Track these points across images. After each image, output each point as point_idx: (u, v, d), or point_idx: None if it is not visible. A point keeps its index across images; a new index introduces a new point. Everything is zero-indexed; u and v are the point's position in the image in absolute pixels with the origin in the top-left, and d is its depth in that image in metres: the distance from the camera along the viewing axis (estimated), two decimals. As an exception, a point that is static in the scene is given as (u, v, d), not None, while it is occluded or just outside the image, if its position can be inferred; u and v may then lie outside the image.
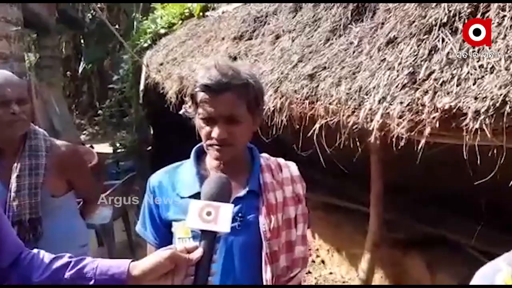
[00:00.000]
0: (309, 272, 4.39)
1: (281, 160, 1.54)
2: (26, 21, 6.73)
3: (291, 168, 1.52)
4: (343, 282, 4.26)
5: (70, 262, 1.16)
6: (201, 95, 1.32)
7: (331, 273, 4.44)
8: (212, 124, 1.33)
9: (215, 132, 1.31)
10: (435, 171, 3.32)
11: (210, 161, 1.45)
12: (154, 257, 1.12)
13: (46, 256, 1.19)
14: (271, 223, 1.36)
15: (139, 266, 1.12)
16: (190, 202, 1.17)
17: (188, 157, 1.51)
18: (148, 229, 1.49)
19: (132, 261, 1.15)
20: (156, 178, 1.49)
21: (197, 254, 1.11)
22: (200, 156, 1.49)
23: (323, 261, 4.60)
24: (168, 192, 1.45)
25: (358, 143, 2.33)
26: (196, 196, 1.33)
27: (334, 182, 4.75)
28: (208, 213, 1.13)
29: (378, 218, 3.38)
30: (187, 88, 4.24)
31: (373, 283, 3.61)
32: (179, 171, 1.49)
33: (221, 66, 1.31)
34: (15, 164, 1.95)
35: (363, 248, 3.51)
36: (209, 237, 1.13)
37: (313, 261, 4.58)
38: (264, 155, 1.53)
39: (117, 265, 1.14)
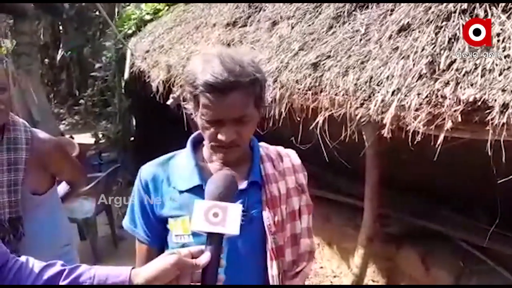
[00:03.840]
0: (299, 267, 4.32)
1: (280, 149, 1.44)
2: (2, 6, 6.41)
3: (292, 157, 1.43)
4: (334, 277, 4.19)
5: (64, 270, 1.04)
6: (204, 95, 1.17)
7: (321, 267, 4.37)
8: (218, 126, 1.20)
9: (223, 135, 1.19)
10: (429, 165, 3.27)
11: (208, 152, 1.33)
12: (158, 263, 1.02)
13: (36, 264, 1.06)
14: (276, 217, 1.28)
15: (141, 274, 1.01)
16: (195, 202, 1.07)
17: (176, 148, 1.39)
18: (139, 226, 1.36)
19: (133, 268, 1.04)
20: (148, 171, 1.35)
21: (204, 259, 1.02)
22: (196, 146, 1.37)
23: (313, 255, 4.53)
24: (163, 186, 1.32)
25: (357, 136, 2.23)
26: (196, 189, 1.25)
27: (324, 175, 4.68)
28: (215, 214, 1.04)
29: (372, 212, 3.32)
30: (175, 76, 4.07)
31: (366, 278, 3.55)
32: (173, 163, 1.36)
33: (226, 61, 1.15)
34: None
35: (354, 242, 3.45)
36: (216, 240, 1.04)
37: (303, 255, 4.51)
38: (263, 144, 1.42)
39: (116, 274, 1.03)
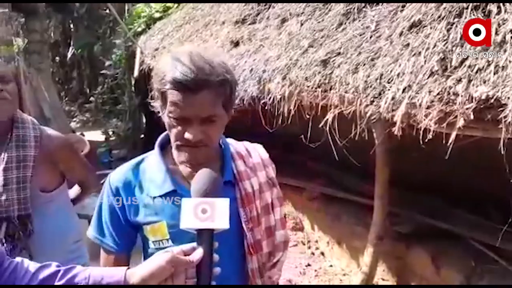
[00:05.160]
0: (309, 265, 4.31)
1: (247, 144, 1.43)
2: (14, 4, 6.46)
3: (260, 152, 1.43)
4: (344, 275, 4.17)
5: (59, 271, 1.04)
6: (173, 93, 1.14)
7: (331, 265, 4.36)
8: (184, 125, 1.17)
9: (190, 134, 1.16)
10: (440, 163, 3.24)
11: (176, 153, 1.29)
12: (153, 262, 1.02)
13: (31, 265, 1.05)
14: (251, 213, 1.30)
15: (137, 274, 1.01)
16: (182, 200, 1.07)
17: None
18: (107, 235, 1.32)
19: (128, 269, 1.04)
20: (118, 178, 1.31)
21: (197, 255, 1.03)
22: (164, 147, 1.34)
23: (322, 253, 4.51)
24: (135, 192, 1.29)
25: (367, 134, 2.21)
26: (170, 194, 1.24)
27: (333, 173, 4.66)
28: (204, 211, 1.04)
29: (382, 210, 3.29)
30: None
31: (376, 277, 3.53)
32: (143, 168, 1.32)
33: (195, 59, 1.13)
34: (2, 156, 1.78)
35: (364, 240, 3.43)
36: (207, 236, 1.05)
37: (313, 253, 4.50)
38: (230, 140, 1.40)
39: (111, 274, 1.03)
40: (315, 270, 4.23)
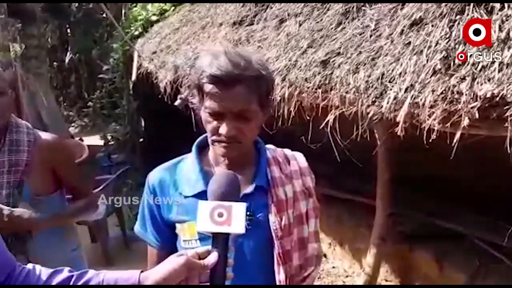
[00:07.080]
0: (311, 267, 4.29)
1: (287, 151, 1.42)
2: (10, 10, 6.44)
3: (299, 160, 1.41)
4: (347, 277, 4.15)
5: (72, 276, 1.03)
6: (209, 87, 1.17)
7: (334, 267, 4.34)
8: (220, 119, 1.20)
9: (224, 128, 1.19)
10: (443, 162, 3.21)
11: (214, 156, 1.33)
12: (168, 265, 1.02)
13: (43, 271, 1.05)
14: (282, 221, 1.27)
15: (151, 277, 1.01)
16: (199, 203, 1.07)
17: (185, 150, 1.38)
18: (148, 230, 1.37)
19: (141, 272, 1.03)
20: (155, 176, 1.36)
21: (212, 259, 1.02)
22: (202, 150, 1.36)
23: (325, 255, 4.50)
24: (169, 191, 1.33)
25: (369, 134, 2.18)
26: (201, 194, 1.24)
27: (335, 174, 4.63)
28: (220, 214, 1.04)
29: (384, 211, 3.27)
30: (183, 77, 4.06)
31: (379, 278, 3.50)
32: (180, 168, 1.36)
33: (232, 55, 1.16)
34: None
35: (366, 241, 3.41)
36: (222, 240, 1.04)
37: (315, 255, 4.48)
38: (270, 146, 1.40)
39: (125, 277, 1.02)
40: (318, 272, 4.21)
